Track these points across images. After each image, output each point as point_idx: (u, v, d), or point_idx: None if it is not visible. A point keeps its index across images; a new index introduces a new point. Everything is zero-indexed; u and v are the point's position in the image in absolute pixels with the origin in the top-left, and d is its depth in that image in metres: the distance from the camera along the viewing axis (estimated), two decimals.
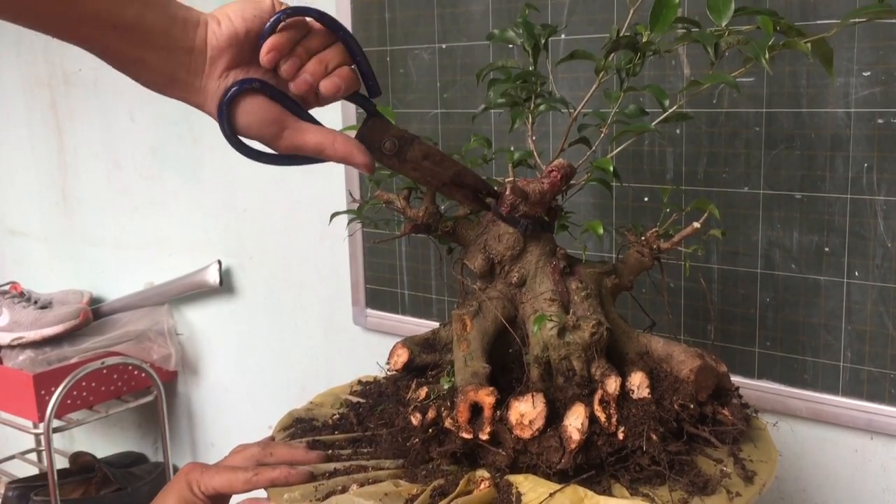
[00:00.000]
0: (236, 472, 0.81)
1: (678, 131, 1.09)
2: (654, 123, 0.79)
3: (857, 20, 0.72)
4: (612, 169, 0.79)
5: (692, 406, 0.77)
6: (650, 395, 0.76)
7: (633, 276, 0.85)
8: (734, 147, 1.06)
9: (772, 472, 0.77)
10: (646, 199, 1.14)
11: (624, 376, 0.77)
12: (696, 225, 0.81)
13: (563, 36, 1.16)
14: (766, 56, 0.70)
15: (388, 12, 1.36)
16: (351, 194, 1.00)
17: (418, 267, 1.40)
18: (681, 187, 1.10)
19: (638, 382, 0.77)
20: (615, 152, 0.84)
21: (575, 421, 0.73)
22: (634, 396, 0.76)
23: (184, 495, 0.83)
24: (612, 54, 0.79)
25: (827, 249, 1.02)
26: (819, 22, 0.97)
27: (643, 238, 0.85)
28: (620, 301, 1.14)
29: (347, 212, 0.97)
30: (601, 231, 0.78)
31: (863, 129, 0.97)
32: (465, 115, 1.28)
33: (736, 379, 0.88)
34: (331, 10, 1.44)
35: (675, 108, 0.79)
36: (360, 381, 1.01)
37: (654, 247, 0.84)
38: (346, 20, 1.41)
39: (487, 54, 1.26)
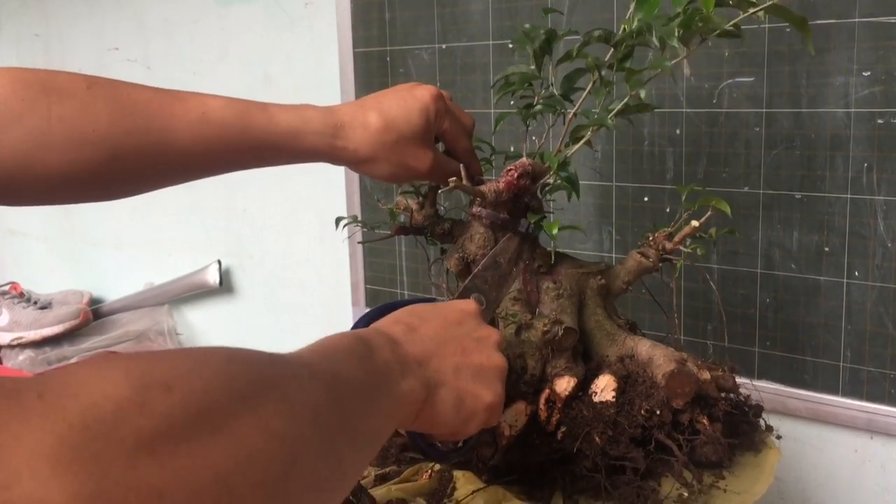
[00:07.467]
0: None
1: (678, 131, 1.09)
2: (610, 115, 0.76)
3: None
4: (556, 165, 0.76)
5: (659, 412, 0.73)
6: (614, 399, 0.73)
7: (631, 279, 0.82)
8: (734, 147, 1.06)
9: None
10: (646, 198, 1.14)
11: (593, 379, 0.75)
12: (695, 223, 0.79)
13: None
14: (676, 36, 0.68)
15: (388, 12, 1.35)
16: (377, 199, 0.99)
17: (418, 267, 1.40)
18: (681, 187, 1.09)
19: (603, 385, 0.74)
20: (576, 148, 0.80)
21: (510, 418, 0.72)
22: (596, 399, 0.73)
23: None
24: (611, 52, 0.78)
25: (827, 249, 1.02)
26: (819, 22, 0.97)
27: (651, 239, 0.82)
28: (636, 304, 1.15)
29: (351, 217, 0.96)
30: (555, 231, 0.75)
31: (863, 129, 0.97)
32: None
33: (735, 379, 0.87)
34: (331, 10, 1.44)
35: (626, 100, 0.76)
36: None
37: (660, 247, 0.82)
38: (346, 20, 1.41)
39: (487, 54, 1.25)
